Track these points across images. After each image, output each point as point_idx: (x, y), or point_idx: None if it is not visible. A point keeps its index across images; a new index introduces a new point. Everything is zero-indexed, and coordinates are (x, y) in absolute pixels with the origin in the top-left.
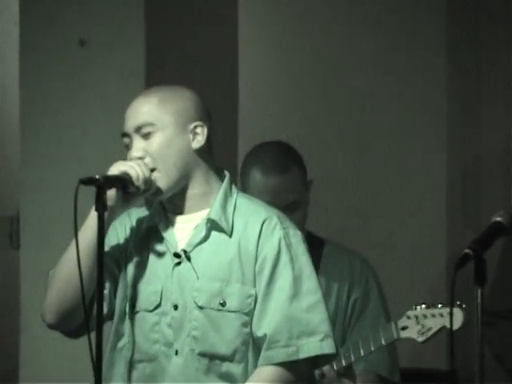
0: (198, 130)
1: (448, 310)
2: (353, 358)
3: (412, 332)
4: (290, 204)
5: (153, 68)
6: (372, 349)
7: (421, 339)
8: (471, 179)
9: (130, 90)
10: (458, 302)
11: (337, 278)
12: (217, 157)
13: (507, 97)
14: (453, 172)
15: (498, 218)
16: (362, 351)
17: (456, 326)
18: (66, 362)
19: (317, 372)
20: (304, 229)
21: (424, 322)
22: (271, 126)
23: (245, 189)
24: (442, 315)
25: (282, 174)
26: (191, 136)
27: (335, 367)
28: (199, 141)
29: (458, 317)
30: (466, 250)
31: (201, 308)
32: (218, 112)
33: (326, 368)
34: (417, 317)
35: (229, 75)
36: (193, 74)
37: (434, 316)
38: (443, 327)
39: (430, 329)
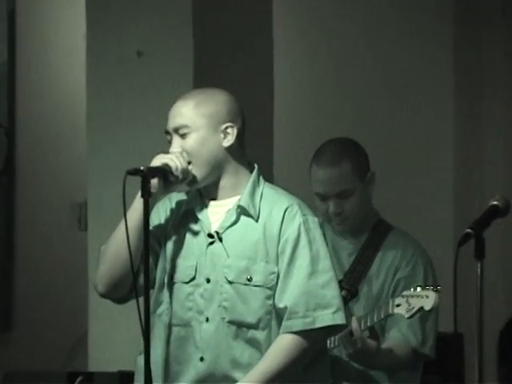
0: (229, 130)
1: (426, 292)
2: (362, 327)
3: (402, 309)
4: (342, 192)
5: (199, 74)
6: (375, 320)
7: (407, 315)
8: (475, 170)
9: (179, 93)
10: (438, 287)
11: (389, 260)
12: (253, 150)
13: (507, 97)
14: (459, 164)
15: (495, 202)
16: (368, 322)
17: (428, 307)
18: (125, 324)
19: (344, 331)
20: (376, 214)
21: (410, 302)
22: (303, 124)
23: (311, 178)
24: (422, 297)
25: (332, 167)
26: (222, 135)
27: (362, 327)
28: (229, 140)
29: (431, 299)
30: (468, 230)
31: (231, 282)
32: (255, 111)
33: (354, 327)
34: (408, 297)
35: (265, 76)
36: (233, 78)
37: (417, 297)
38: (421, 307)
39: (413, 307)
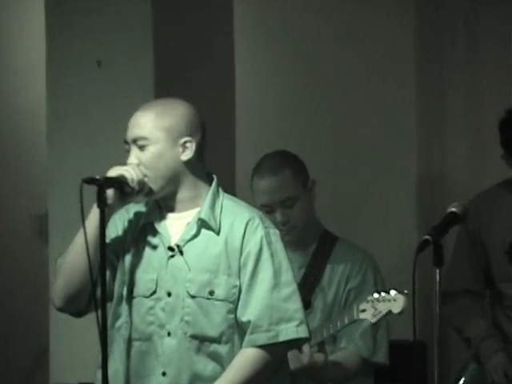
0: (188, 144)
1: (393, 296)
2: (325, 335)
3: (368, 314)
4: (286, 200)
5: (159, 84)
6: (338, 327)
7: (373, 320)
8: (438, 181)
9: (139, 102)
10: (405, 291)
11: (340, 270)
12: (215, 160)
13: (469, 108)
14: (422, 173)
15: (453, 209)
16: (331, 329)
17: (397, 310)
18: (86, 337)
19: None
20: (319, 224)
21: (377, 306)
22: (264, 130)
23: (253, 192)
24: (389, 301)
25: (274, 175)
26: (181, 149)
27: (311, 343)
28: (187, 154)
29: (400, 302)
30: (426, 237)
31: (193, 297)
32: (217, 121)
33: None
34: (373, 301)
35: (226, 87)
36: (194, 88)
37: (384, 301)
38: (389, 311)
39: (380, 312)
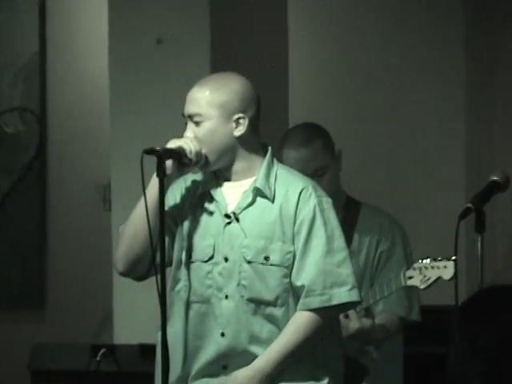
0: (241, 120)
1: (444, 263)
2: (371, 301)
3: (416, 281)
4: (317, 170)
5: (216, 60)
6: (385, 294)
7: (422, 286)
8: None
9: (197, 78)
10: (453, 258)
11: (368, 234)
12: (268, 130)
13: None
14: (471, 145)
15: (495, 178)
16: (378, 295)
17: (448, 277)
18: (148, 299)
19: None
20: (343, 192)
21: (425, 273)
22: (317, 104)
23: (283, 162)
24: (438, 267)
25: (306, 147)
26: (234, 125)
27: (357, 309)
28: (240, 130)
29: (450, 268)
30: (468, 205)
31: (249, 262)
32: (270, 100)
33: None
34: (420, 268)
35: (280, 61)
36: (249, 64)
37: (433, 268)
38: (439, 277)
39: (429, 278)
